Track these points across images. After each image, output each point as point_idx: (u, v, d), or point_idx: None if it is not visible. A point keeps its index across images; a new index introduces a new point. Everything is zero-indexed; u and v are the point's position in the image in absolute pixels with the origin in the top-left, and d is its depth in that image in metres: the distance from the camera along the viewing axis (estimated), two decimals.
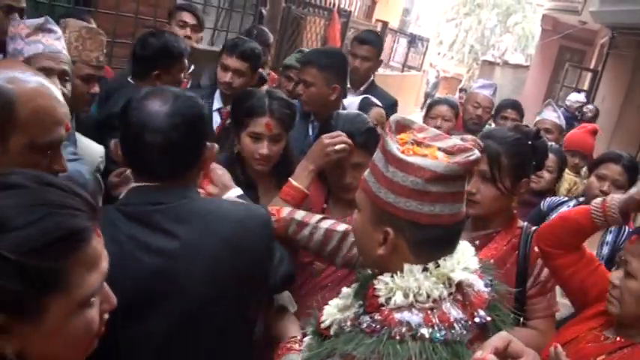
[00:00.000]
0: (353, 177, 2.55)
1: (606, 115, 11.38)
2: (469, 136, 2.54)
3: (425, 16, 32.91)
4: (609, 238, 3.40)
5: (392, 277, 1.53)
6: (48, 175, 1.18)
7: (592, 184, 3.59)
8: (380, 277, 1.56)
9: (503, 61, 23.58)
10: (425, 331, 1.46)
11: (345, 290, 1.73)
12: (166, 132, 1.83)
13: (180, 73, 3.55)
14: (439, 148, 1.56)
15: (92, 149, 2.79)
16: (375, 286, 1.55)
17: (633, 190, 2.27)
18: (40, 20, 2.55)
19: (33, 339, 1.10)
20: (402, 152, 1.51)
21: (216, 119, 3.94)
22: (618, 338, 2.14)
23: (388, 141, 1.53)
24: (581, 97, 10.99)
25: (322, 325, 1.67)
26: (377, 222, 1.55)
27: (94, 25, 3.25)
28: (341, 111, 2.74)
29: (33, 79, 1.60)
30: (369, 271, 1.69)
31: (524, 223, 2.64)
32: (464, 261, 1.56)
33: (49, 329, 1.11)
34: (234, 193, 2.32)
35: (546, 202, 3.85)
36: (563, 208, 3.66)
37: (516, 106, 5.45)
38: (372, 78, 4.96)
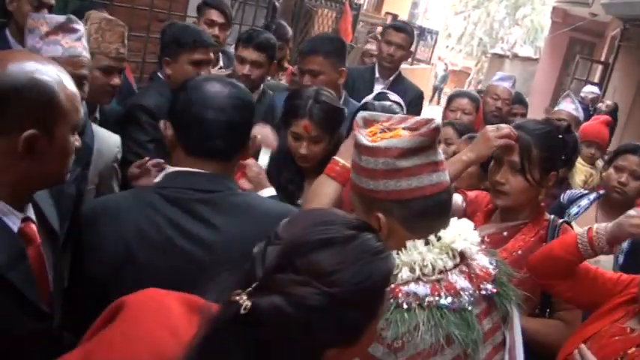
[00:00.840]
0: None
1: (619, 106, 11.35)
2: (504, 125, 2.54)
3: (433, 9, 32.86)
4: (624, 245, 3.39)
5: (397, 254, 1.57)
6: None
7: (610, 176, 3.56)
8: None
9: (513, 54, 23.52)
10: (432, 299, 1.52)
11: None
12: (229, 111, 1.96)
13: (196, 64, 3.34)
14: (403, 128, 1.66)
15: (109, 140, 2.81)
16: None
17: (622, 219, 2.23)
18: (62, 18, 2.51)
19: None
20: (371, 141, 1.61)
21: None
22: None
23: (357, 135, 1.64)
24: (595, 89, 10.94)
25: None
26: (368, 212, 1.62)
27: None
28: (375, 101, 2.77)
29: (52, 68, 1.62)
30: None
31: (551, 216, 2.62)
32: (464, 233, 1.63)
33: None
34: (268, 192, 2.36)
35: (566, 195, 3.82)
36: (584, 202, 3.68)
37: (520, 100, 5.56)
38: (400, 69, 4.96)
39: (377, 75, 4.95)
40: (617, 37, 13.90)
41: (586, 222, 3.39)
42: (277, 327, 1.09)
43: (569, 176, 4.65)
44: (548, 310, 2.51)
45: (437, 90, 26.46)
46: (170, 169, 1.98)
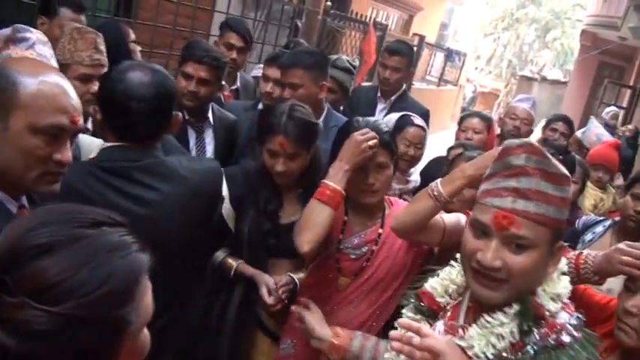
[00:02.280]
0: (375, 178, 2.57)
1: None
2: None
3: (463, 31, 32.78)
4: None
5: (543, 290, 1.64)
6: None
7: (627, 204, 3.52)
8: (538, 291, 1.64)
9: (541, 76, 23.38)
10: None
11: (492, 319, 1.66)
12: (151, 100, 2.20)
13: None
14: None
15: (92, 143, 2.80)
16: (541, 301, 1.62)
17: (611, 253, 2.18)
18: (7, 30, 2.46)
19: None
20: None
21: None
22: None
23: (556, 164, 1.59)
24: (614, 108, 10.82)
25: (469, 352, 1.63)
26: (552, 245, 1.61)
27: (84, 25, 3.25)
28: (359, 118, 2.73)
29: (40, 64, 1.73)
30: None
31: None
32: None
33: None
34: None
35: (581, 221, 3.79)
36: (599, 228, 3.65)
37: (567, 121, 5.61)
38: (403, 88, 4.97)
39: (379, 94, 4.99)
40: None
41: (600, 249, 3.35)
42: None
43: (579, 201, 4.64)
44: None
45: (465, 111, 26.40)
46: (104, 144, 2.26)
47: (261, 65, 5.20)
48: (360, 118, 2.73)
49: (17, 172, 1.68)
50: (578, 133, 6.65)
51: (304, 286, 2.78)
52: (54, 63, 2.53)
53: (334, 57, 5.07)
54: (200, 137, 3.49)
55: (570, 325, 1.60)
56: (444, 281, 1.85)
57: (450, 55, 20.08)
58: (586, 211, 4.57)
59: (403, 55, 4.96)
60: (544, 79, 23.24)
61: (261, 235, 2.84)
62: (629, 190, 3.59)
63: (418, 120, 3.91)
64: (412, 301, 1.90)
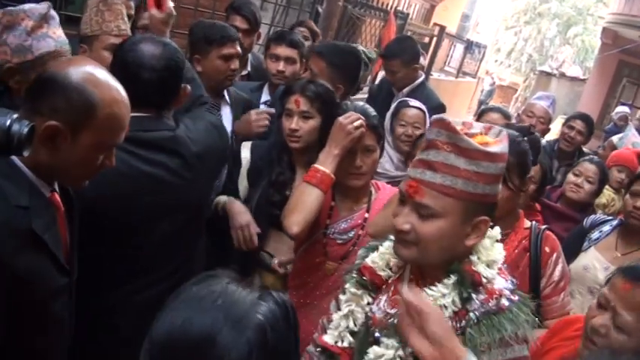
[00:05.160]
0: (363, 161, 2.63)
1: None
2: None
3: (484, 23, 32.59)
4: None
5: (477, 258, 1.75)
6: None
7: (627, 202, 3.59)
8: (473, 259, 1.75)
9: (560, 73, 23.22)
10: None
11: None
12: (160, 71, 2.36)
13: (226, 58, 3.48)
14: (482, 134, 1.78)
15: None
16: (476, 269, 1.73)
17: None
18: (42, 7, 2.42)
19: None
20: (483, 145, 1.68)
21: None
22: None
23: (469, 141, 1.66)
24: (625, 108, 10.81)
25: None
26: (468, 217, 1.70)
27: None
28: (348, 102, 2.83)
29: (112, 85, 1.83)
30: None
31: (531, 223, 2.67)
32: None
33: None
34: None
35: (589, 220, 3.84)
36: (606, 227, 3.70)
37: (586, 119, 5.62)
38: (420, 80, 4.91)
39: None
40: None
41: (606, 247, 3.47)
42: None
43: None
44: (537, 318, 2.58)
45: (482, 104, 26.23)
46: None
47: None
48: (349, 102, 2.82)
49: (71, 175, 1.84)
50: (615, 139, 6.65)
51: (293, 272, 2.86)
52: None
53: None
54: (217, 114, 3.56)
55: (507, 289, 1.73)
56: (385, 255, 1.92)
57: (469, 46, 19.96)
58: (596, 209, 4.61)
59: (396, 56, 4.80)
60: (563, 75, 23.09)
61: (268, 205, 2.95)
62: (629, 188, 3.66)
63: (414, 102, 3.97)
64: (354, 276, 1.95)
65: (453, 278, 1.73)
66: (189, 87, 2.54)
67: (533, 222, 2.67)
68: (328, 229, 2.72)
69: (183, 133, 2.49)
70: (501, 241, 2.49)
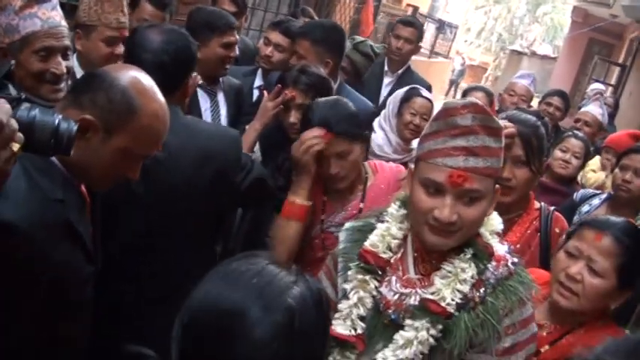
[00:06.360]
0: (339, 166, 2.59)
1: (633, 109, 11.40)
2: (504, 122, 2.60)
3: (454, 3, 32.70)
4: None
5: (486, 229, 1.82)
6: None
7: (616, 175, 3.69)
8: (481, 232, 1.81)
9: (531, 51, 23.48)
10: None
11: (447, 271, 1.77)
12: (161, 55, 2.38)
13: (227, 46, 3.43)
14: None
15: None
16: (486, 240, 1.80)
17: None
18: None
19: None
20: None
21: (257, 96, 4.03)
22: (554, 326, 2.19)
23: (497, 120, 1.74)
24: (600, 85, 10.89)
25: (440, 303, 1.74)
26: (493, 191, 1.76)
27: None
28: (319, 99, 2.73)
29: (158, 99, 1.83)
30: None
31: (541, 204, 2.68)
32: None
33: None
34: None
35: (579, 194, 3.95)
36: (595, 201, 3.79)
37: (562, 95, 5.72)
38: (409, 63, 5.01)
39: (386, 68, 5.02)
40: (635, 40, 13.91)
41: None
42: None
43: (582, 179, 4.78)
44: None
45: (453, 84, 26.41)
46: None
47: None
48: (320, 101, 2.70)
49: (92, 176, 1.82)
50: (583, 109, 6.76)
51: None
52: (65, 24, 2.47)
53: (360, 39, 5.09)
54: (214, 101, 3.53)
55: (508, 253, 1.81)
56: (386, 237, 1.90)
57: (441, 27, 20.08)
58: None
59: (416, 27, 5.03)
60: (533, 53, 23.34)
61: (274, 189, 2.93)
62: (619, 163, 3.75)
63: (426, 93, 3.97)
64: (356, 263, 1.91)
65: (469, 252, 1.76)
66: (199, 77, 2.56)
67: (542, 203, 2.69)
68: (324, 223, 2.72)
69: (187, 122, 2.46)
70: (514, 222, 2.58)
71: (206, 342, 1.21)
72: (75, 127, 1.49)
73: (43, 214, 1.66)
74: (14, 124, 1.28)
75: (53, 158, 1.71)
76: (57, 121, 1.44)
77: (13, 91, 1.48)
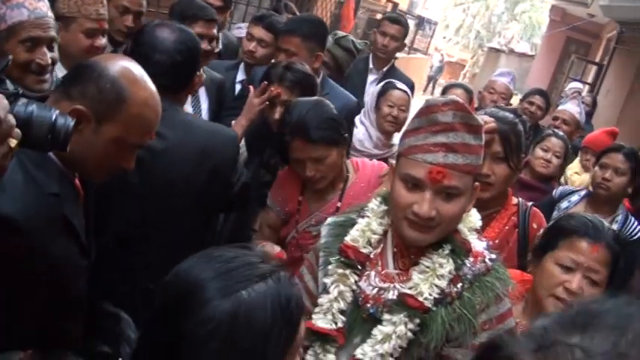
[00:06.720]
0: (314, 169, 2.61)
1: (610, 108, 11.49)
2: (486, 117, 2.58)
3: None
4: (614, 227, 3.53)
5: (464, 226, 1.83)
6: None
7: (595, 174, 3.79)
8: (460, 228, 1.82)
9: (509, 49, 23.62)
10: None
11: (422, 266, 1.78)
12: (173, 54, 2.41)
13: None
14: None
15: None
16: (464, 236, 1.81)
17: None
18: None
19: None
20: None
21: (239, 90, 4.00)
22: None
23: (477, 118, 1.74)
24: (578, 84, 10.96)
25: (418, 297, 1.75)
26: (472, 188, 1.78)
27: None
28: (299, 99, 2.76)
29: (148, 87, 1.84)
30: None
31: (519, 200, 2.69)
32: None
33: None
34: None
35: (558, 191, 4.03)
36: (574, 197, 3.89)
37: (543, 94, 5.79)
38: (393, 61, 5.05)
39: (371, 65, 5.04)
40: (612, 40, 14.02)
41: None
42: None
43: (564, 179, 4.83)
44: None
45: (432, 80, 26.51)
46: None
47: (241, 25, 5.22)
48: (300, 102, 2.73)
49: (87, 166, 1.82)
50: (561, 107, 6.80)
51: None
52: (52, 15, 2.43)
53: (342, 34, 5.09)
54: (195, 96, 3.50)
55: (485, 250, 1.82)
56: (366, 232, 1.91)
57: (420, 23, 20.12)
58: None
59: (403, 24, 5.08)
60: (511, 51, 23.48)
61: (258, 184, 2.96)
62: (598, 161, 3.85)
63: (401, 85, 4.01)
64: (337, 257, 1.92)
65: (447, 248, 1.78)
66: (204, 75, 2.57)
67: (520, 199, 2.71)
68: (299, 225, 2.74)
69: (187, 119, 2.49)
70: (492, 217, 2.59)
71: (166, 310, 1.27)
72: (72, 123, 1.49)
73: (39, 208, 1.67)
74: (12, 119, 1.26)
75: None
76: (54, 117, 1.44)
77: (10, 86, 1.44)
